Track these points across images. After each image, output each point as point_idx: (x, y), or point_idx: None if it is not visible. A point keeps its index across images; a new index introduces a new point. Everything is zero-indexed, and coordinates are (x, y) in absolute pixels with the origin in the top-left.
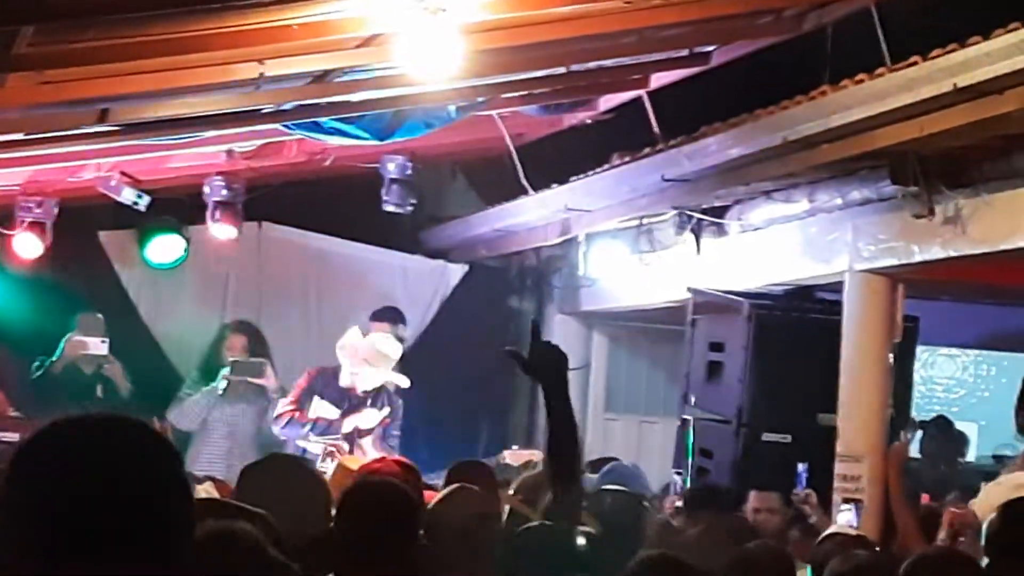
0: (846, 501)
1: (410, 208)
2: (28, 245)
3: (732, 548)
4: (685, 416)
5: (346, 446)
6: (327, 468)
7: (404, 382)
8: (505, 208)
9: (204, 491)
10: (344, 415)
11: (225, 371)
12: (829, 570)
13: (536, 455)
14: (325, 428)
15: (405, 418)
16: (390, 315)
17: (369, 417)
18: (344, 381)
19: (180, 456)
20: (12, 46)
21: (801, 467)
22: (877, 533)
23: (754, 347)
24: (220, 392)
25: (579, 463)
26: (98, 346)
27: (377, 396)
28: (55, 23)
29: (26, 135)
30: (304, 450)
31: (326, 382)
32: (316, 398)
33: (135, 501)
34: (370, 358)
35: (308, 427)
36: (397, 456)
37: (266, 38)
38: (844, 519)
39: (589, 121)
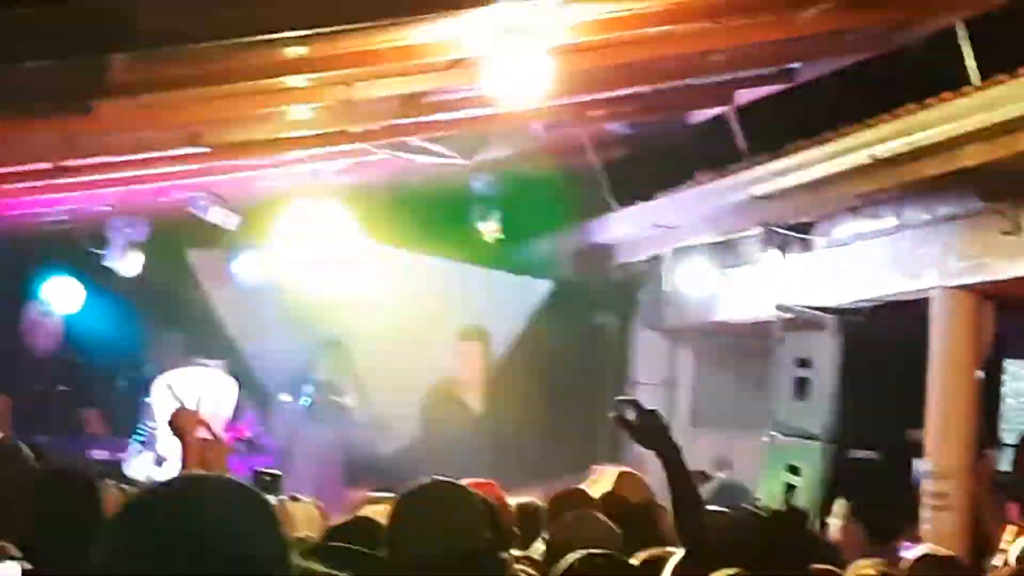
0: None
1: (496, 226)
2: (120, 264)
3: None
4: (772, 432)
5: None
6: None
7: None
8: (591, 224)
9: (302, 511)
10: None
11: (310, 390)
12: None
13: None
14: None
15: (490, 436)
16: (479, 334)
17: None
18: None
19: (273, 516)
20: (106, 72)
21: (920, 464)
22: (967, 551)
23: (842, 363)
24: (305, 410)
25: (704, 516)
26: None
27: None
28: (147, 51)
29: (118, 157)
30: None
31: None
32: None
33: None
34: None
35: None
36: None
37: (354, 62)
38: None
39: (675, 138)
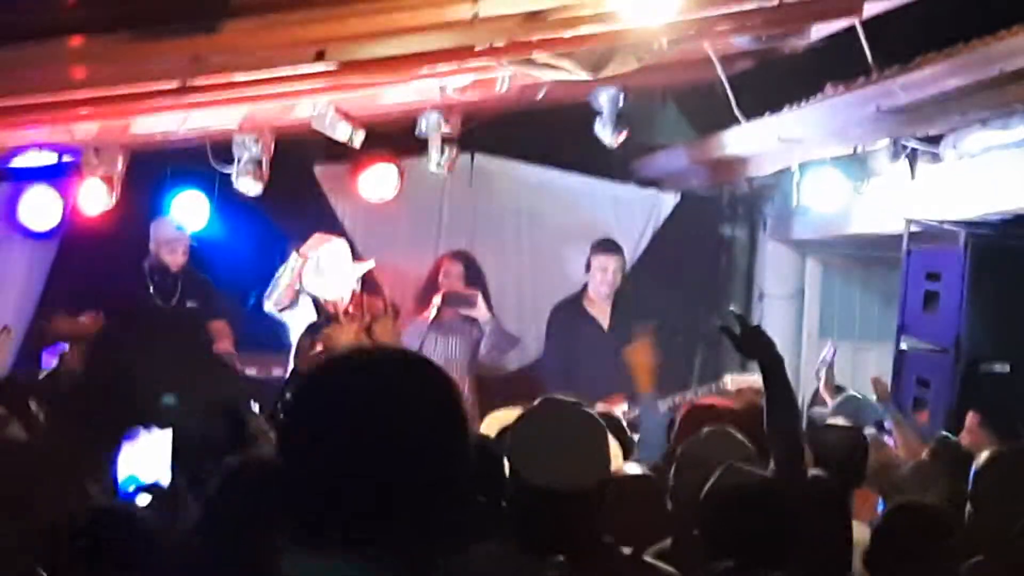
0: None
1: (621, 139)
2: (246, 182)
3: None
4: (901, 346)
5: None
6: None
7: None
8: (717, 137)
9: None
10: None
11: (436, 301)
12: None
13: (756, 381)
14: None
15: (618, 350)
16: (613, 246)
17: None
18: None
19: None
20: None
21: None
22: None
23: (971, 276)
24: (430, 322)
25: (800, 436)
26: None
27: None
28: None
29: (244, 76)
30: None
31: None
32: None
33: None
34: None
35: None
36: None
37: None
38: None
39: (801, 50)
